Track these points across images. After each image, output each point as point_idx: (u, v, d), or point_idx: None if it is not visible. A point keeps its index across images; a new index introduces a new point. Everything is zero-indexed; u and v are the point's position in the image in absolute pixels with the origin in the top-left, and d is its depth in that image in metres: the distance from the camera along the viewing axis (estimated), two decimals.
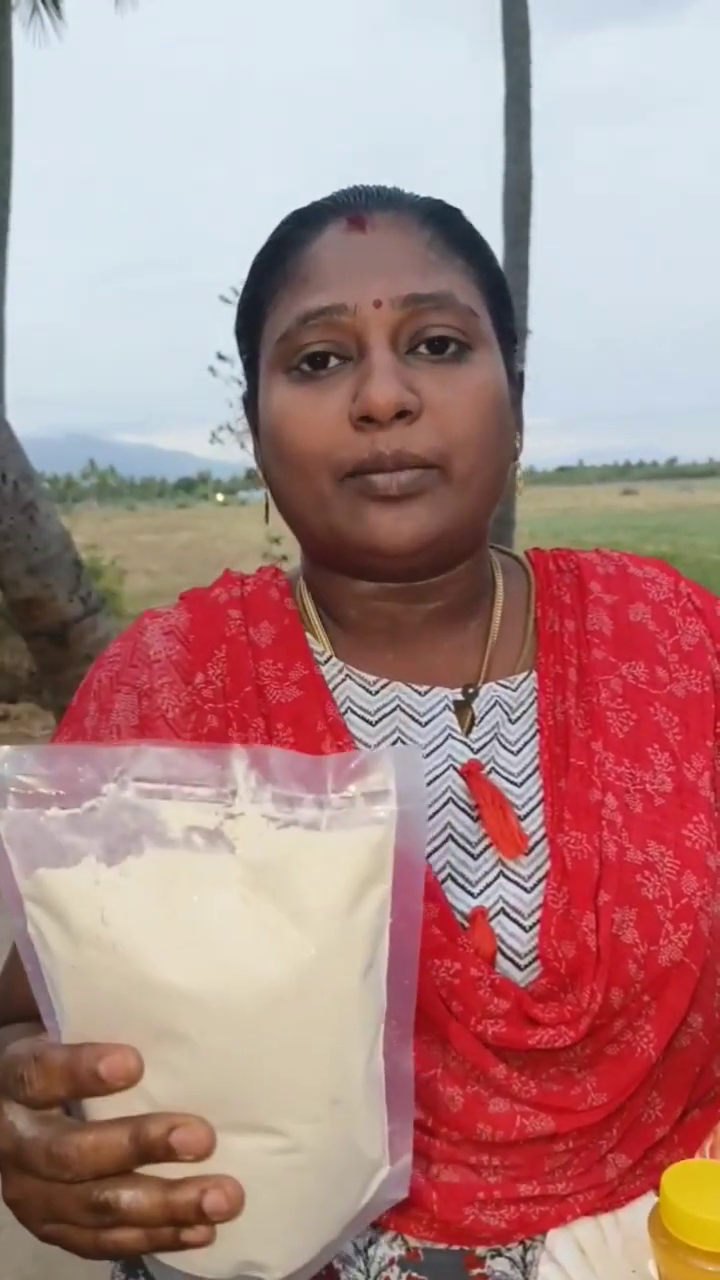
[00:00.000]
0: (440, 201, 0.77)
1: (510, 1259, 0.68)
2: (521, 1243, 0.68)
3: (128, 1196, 0.48)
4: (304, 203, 0.79)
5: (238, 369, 0.82)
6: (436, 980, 0.67)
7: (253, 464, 0.82)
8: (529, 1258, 0.68)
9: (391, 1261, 0.68)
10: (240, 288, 0.81)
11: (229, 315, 0.81)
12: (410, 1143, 0.53)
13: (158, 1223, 0.48)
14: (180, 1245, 0.48)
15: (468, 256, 0.75)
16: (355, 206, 0.75)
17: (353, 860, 0.47)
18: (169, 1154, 0.47)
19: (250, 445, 0.83)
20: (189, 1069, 0.47)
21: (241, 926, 0.47)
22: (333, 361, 0.72)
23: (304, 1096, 0.48)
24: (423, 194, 0.78)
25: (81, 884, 0.47)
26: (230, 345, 0.82)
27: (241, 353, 0.81)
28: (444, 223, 0.75)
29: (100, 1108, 0.49)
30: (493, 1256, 0.68)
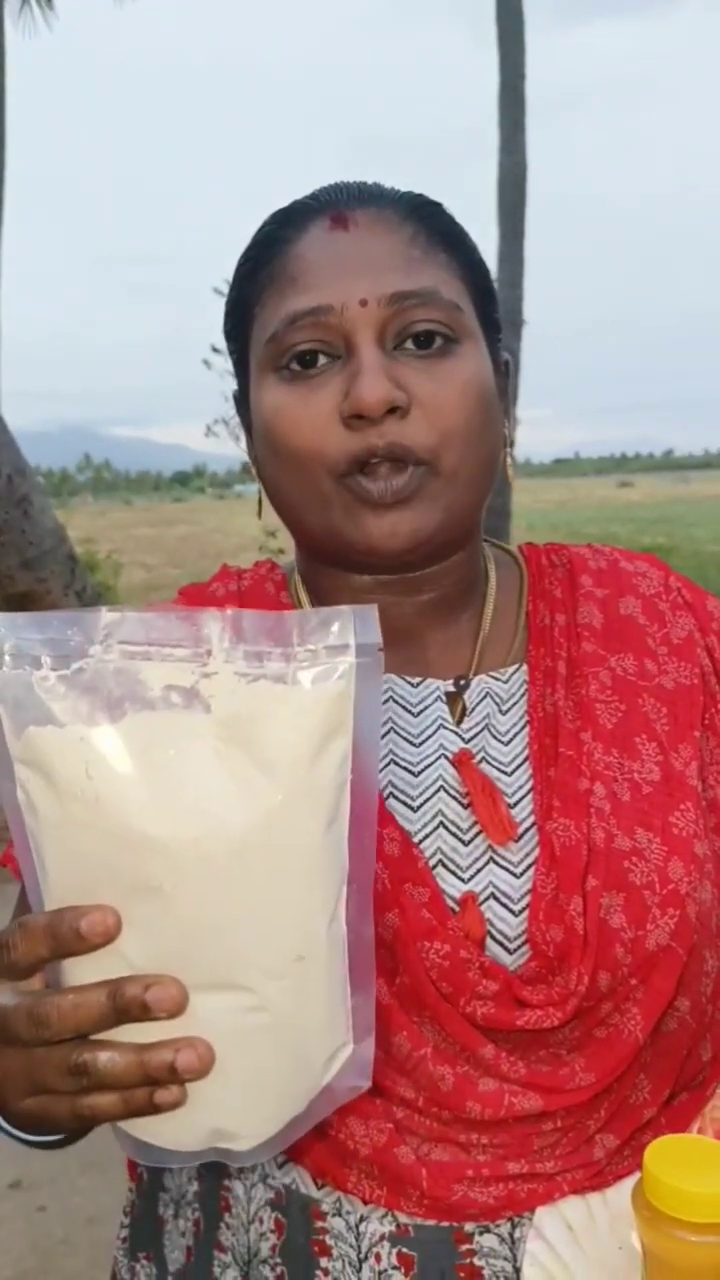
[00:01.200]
0: (421, 196, 0.78)
1: (499, 1235, 0.69)
2: (510, 1220, 0.69)
3: (104, 1057, 0.50)
4: (298, 195, 0.80)
5: (232, 362, 0.83)
6: (427, 962, 0.68)
7: (248, 458, 0.83)
8: (517, 1235, 0.69)
9: (382, 1238, 0.70)
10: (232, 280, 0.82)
11: (223, 308, 0.82)
12: (372, 1023, 0.55)
13: (132, 1083, 0.50)
14: (154, 1108, 0.51)
15: (450, 250, 0.76)
16: (337, 204, 0.76)
17: (316, 710, 0.50)
18: (144, 1011, 0.49)
19: (244, 441, 0.84)
20: (162, 925, 0.50)
21: (213, 777, 0.49)
22: (321, 360, 0.73)
23: (270, 952, 0.51)
24: (416, 188, 0.79)
25: (68, 740, 0.49)
26: (223, 338, 0.83)
27: (231, 352, 0.82)
28: (425, 218, 0.76)
29: (79, 973, 0.51)
30: (481, 1233, 0.69)
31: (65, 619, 0.51)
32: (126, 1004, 0.49)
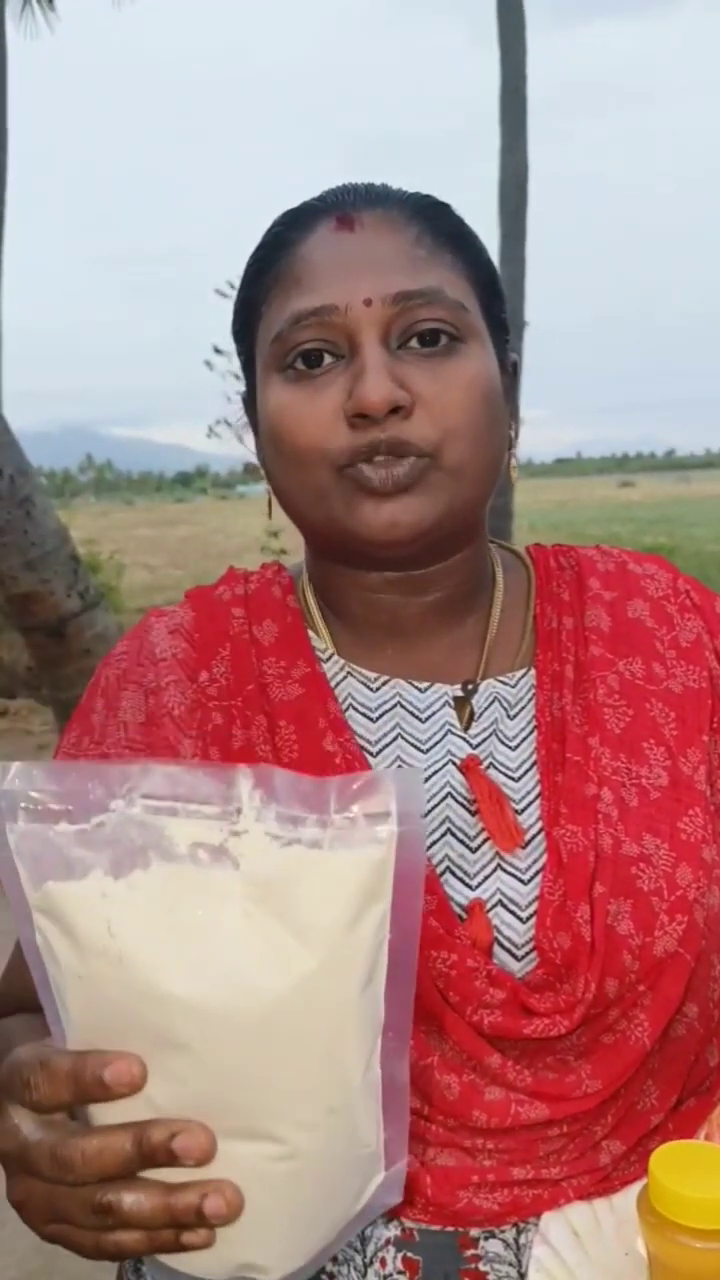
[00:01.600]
0: (428, 197, 0.78)
1: (504, 1240, 0.69)
2: (515, 1225, 0.69)
3: (130, 1199, 0.49)
4: (299, 196, 0.81)
5: (234, 363, 0.83)
6: (434, 971, 0.68)
7: (250, 458, 0.83)
8: (522, 1240, 0.69)
9: (387, 1242, 0.69)
10: (236, 281, 0.82)
11: (226, 308, 0.82)
12: (405, 1149, 0.54)
13: (159, 1225, 0.49)
14: (180, 1247, 0.50)
15: (456, 250, 0.76)
16: (343, 205, 0.76)
17: (354, 878, 0.49)
18: (170, 1159, 0.48)
19: (250, 441, 0.84)
20: (191, 1076, 0.49)
21: (244, 940, 0.48)
22: (326, 359, 0.73)
23: (302, 1105, 0.50)
24: (418, 188, 0.79)
25: (89, 897, 0.49)
26: (227, 339, 0.83)
27: (239, 353, 0.82)
28: (432, 218, 0.76)
29: (104, 1113, 0.50)
30: (486, 1238, 0.69)
31: (85, 771, 0.50)
32: (153, 1150, 0.48)
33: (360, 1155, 0.53)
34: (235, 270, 0.82)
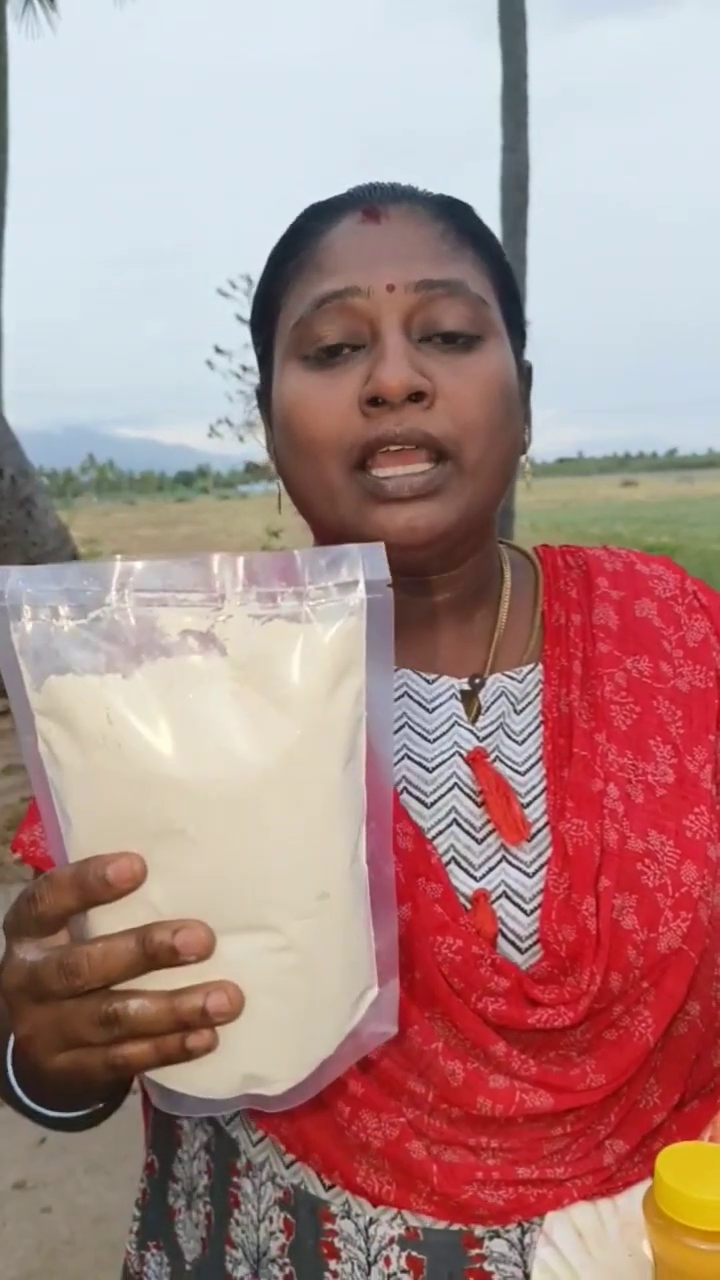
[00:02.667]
0: (452, 197, 0.78)
1: (508, 1240, 0.69)
2: (520, 1224, 0.69)
3: (135, 1005, 0.51)
4: (301, 195, 0.81)
5: (235, 363, 0.83)
6: (439, 957, 0.68)
7: (252, 457, 0.83)
8: (527, 1240, 0.69)
9: (391, 1241, 0.69)
10: (238, 280, 0.82)
11: (228, 309, 0.82)
12: (396, 966, 0.57)
13: (164, 1029, 0.51)
14: (186, 1053, 0.51)
15: (479, 249, 0.76)
16: (369, 199, 0.76)
17: (329, 647, 0.51)
18: (173, 956, 0.50)
19: (260, 435, 0.83)
20: (188, 868, 0.51)
21: (232, 717, 0.50)
22: (346, 351, 0.73)
23: (295, 890, 0.52)
24: (430, 187, 0.79)
25: (88, 688, 0.50)
26: (228, 339, 0.83)
27: (256, 345, 0.82)
28: (456, 216, 0.76)
29: (105, 923, 0.52)
30: (491, 1238, 0.69)
31: (81, 570, 0.51)
32: (155, 949, 0.50)
33: (353, 956, 0.55)
34: (237, 270, 0.82)
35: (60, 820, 0.54)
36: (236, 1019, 0.51)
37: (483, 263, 0.76)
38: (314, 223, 0.77)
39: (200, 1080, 0.54)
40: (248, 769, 0.50)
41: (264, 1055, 0.54)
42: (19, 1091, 0.69)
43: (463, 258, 0.74)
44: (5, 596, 0.51)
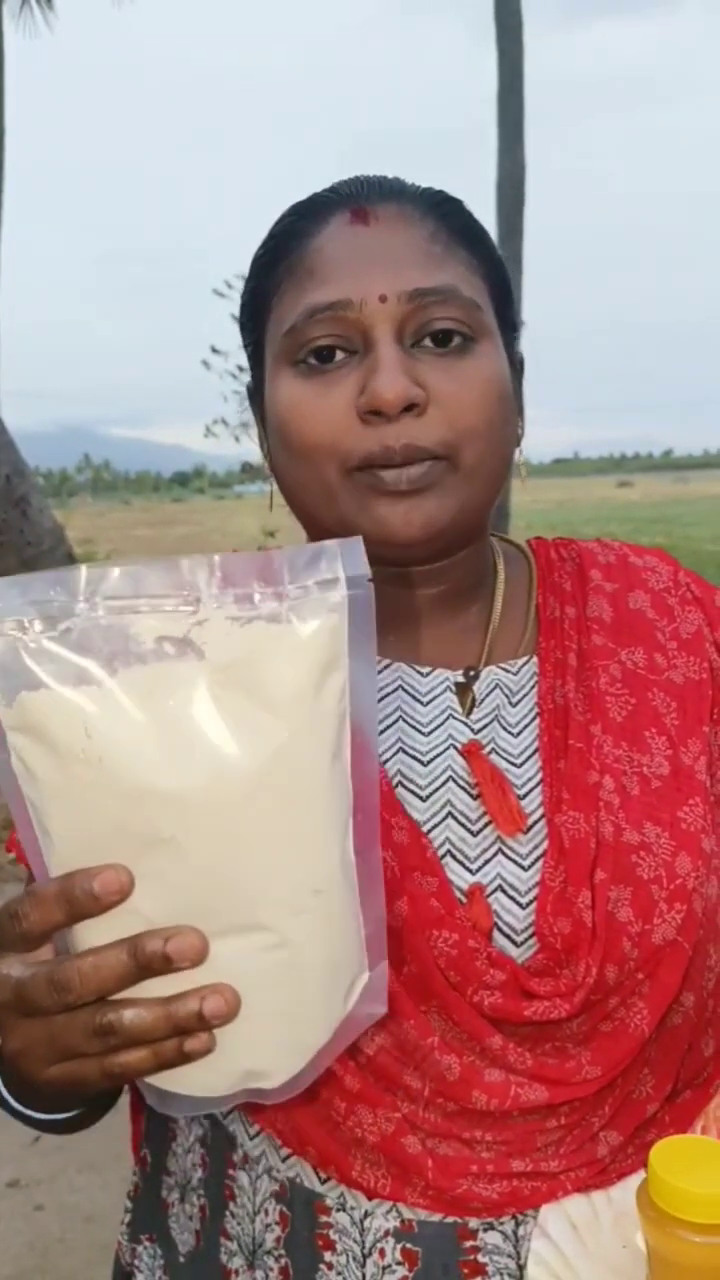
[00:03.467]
0: (442, 193, 0.78)
1: (502, 1233, 0.69)
2: (514, 1217, 0.69)
3: (130, 1014, 0.51)
4: (295, 194, 0.80)
5: (231, 363, 0.83)
6: (435, 950, 0.68)
7: (247, 457, 0.83)
8: (521, 1232, 0.69)
9: (386, 1233, 0.69)
10: (234, 280, 0.82)
11: (223, 308, 0.82)
12: (385, 950, 0.57)
13: (161, 1036, 0.51)
14: (184, 1058, 0.51)
15: (470, 248, 0.76)
16: (358, 198, 0.75)
17: (312, 645, 0.50)
18: (166, 964, 0.50)
19: (255, 435, 0.83)
20: (177, 875, 0.50)
21: (217, 723, 0.49)
22: (339, 355, 0.73)
23: (287, 888, 0.52)
24: (423, 184, 0.79)
25: (63, 702, 0.49)
26: (224, 339, 0.83)
27: (245, 344, 0.82)
28: (446, 215, 0.76)
29: (94, 936, 0.51)
30: (485, 1230, 0.69)
31: (47, 579, 0.50)
32: (148, 959, 0.49)
33: (345, 946, 0.55)
34: (233, 270, 0.82)
35: (40, 838, 0.52)
36: (234, 1019, 0.51)
37: (474, 261, 0.76)
38: (302, 223, 0.76)
39: (198, 1080, 0.54)
40: (235, 773, 0.49)
41: (261, 1051, 0.54)
42: (8, 1097, 0.68)
43: (454, 259, 0.74)
44: None
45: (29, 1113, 0.69)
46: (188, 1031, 0.50)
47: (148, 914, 0.50)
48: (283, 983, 0.52)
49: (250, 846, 0.50)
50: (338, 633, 0.51)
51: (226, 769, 0.49)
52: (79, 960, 0.51)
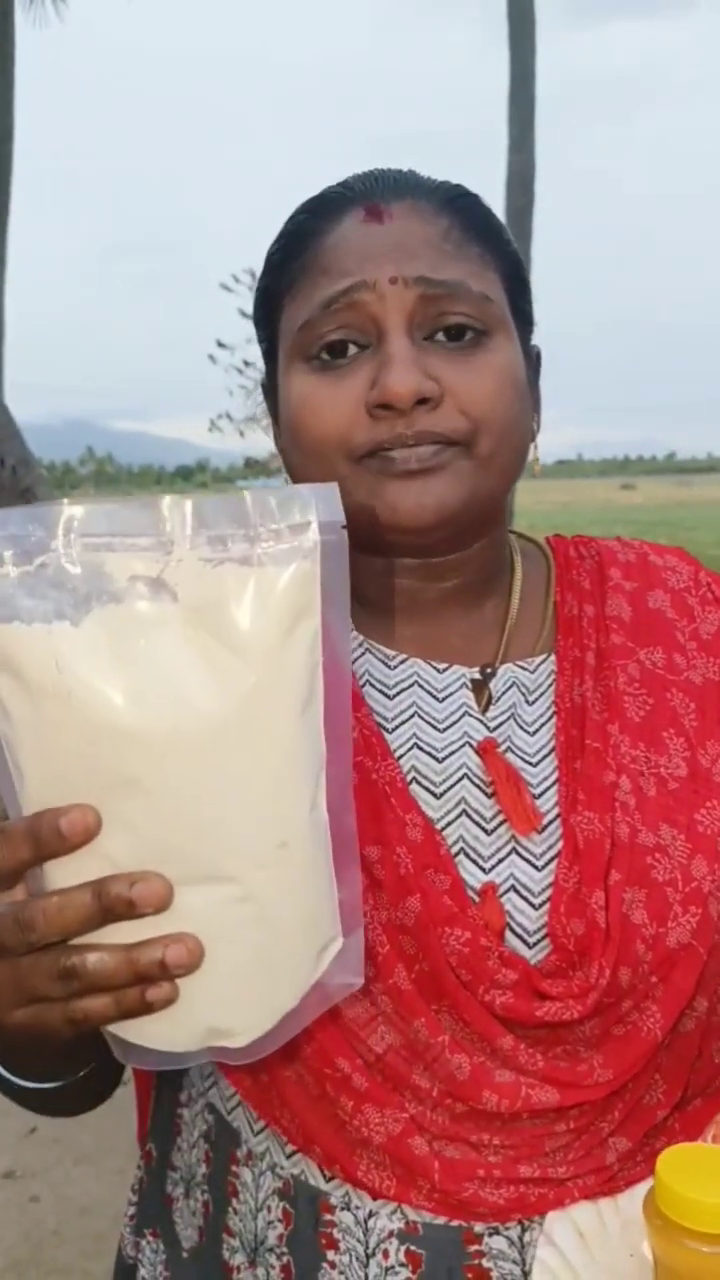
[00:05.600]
0: (458, 187, 0.77)
1: (508, 1238, 0.69)
2: (520, 1223, 0.69)
3: (94, 958, 0.51)
4: (307, 189, 0.79)
5: (237, 357, 0.83)
6: (447, 949, 0.68)
7: (251, 452, 0.83)
8: (527, 1238, 0.68)
9: (390, 1234, 0.69)
10: (240, 274, 0.82)
11: (229, 302, 0.82)
12: (361, 918, 0.56)
13: (123, 982, 0.51)
14: (146, 1006, 0.51)
15: (484, 242, 0.75)
16: (372, 195, 0.75)
17: (284, 589, 0.50)
18: (130, 908, 0.50)
19: (259, 430, 0.83)
20: (144, 819, 0.50)
21: (185, 664, 0.49)
22: (351, 350, 0.73)
23: (253, 839, 0.51)
24: (439, 179, 0.78)
25: (36, 636, 0.49)
26: (230, 333, 0.83)
27: (260, 340, 0.82)
28: (461, 210, 0.75)
29: (62, 877, 0.51)
30: (491, 1235, 0.68)
31: (25, 514, 0.50)
32: (112, 902, 0.50)
33: (314, 906, 0.54)
34: (239, 263, 0.81)
35: (13, 773, 0.52)
36: (197, 971, 0.51)
37: (488, 256, 0.75)
38: (316, 220, 0.76)
39: (161, 1033, 0.54)
40: (202, 716, 0.49)
41: (225, 1007, 0.53)
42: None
43: (466, 255, 0.74)
44: None
45: (13, 1079, 0.68)
46: (151, 980, 0.51)
47: (116, 858, 0.50)
48: (248, 938, 0.52)
49: (215, 792, 0.50)
50: (309, 579, 0.50)
51: (193, 712, 0.49)
52: (44, 900, 0.51)
